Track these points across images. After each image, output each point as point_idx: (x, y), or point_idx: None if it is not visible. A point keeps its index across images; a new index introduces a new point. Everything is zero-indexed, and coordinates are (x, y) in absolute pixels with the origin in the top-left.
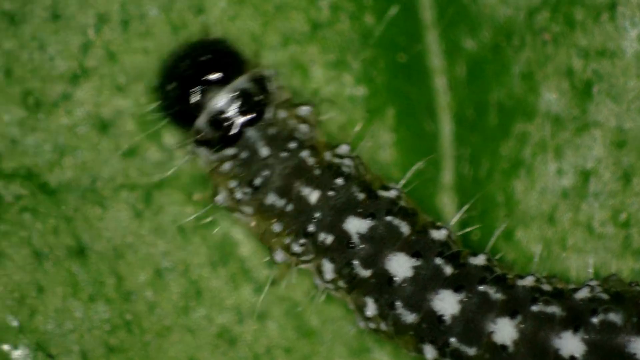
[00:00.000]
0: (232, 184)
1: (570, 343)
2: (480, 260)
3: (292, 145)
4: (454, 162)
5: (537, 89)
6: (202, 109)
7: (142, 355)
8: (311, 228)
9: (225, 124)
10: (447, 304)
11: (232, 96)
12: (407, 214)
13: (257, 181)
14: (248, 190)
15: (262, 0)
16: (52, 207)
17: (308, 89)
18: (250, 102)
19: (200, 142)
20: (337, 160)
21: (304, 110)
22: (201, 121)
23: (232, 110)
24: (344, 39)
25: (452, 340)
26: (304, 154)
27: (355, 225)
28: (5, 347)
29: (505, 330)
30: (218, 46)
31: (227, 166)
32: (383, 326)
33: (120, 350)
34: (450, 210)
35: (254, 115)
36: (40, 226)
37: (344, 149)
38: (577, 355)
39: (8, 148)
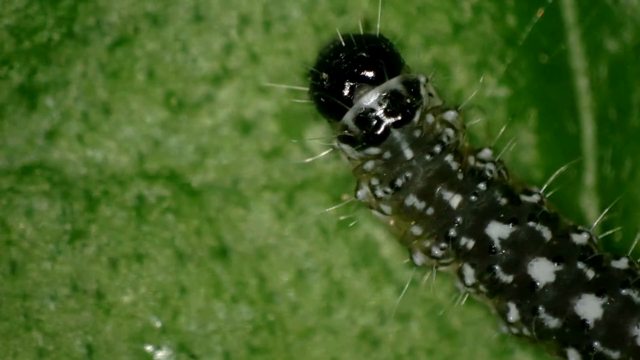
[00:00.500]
0: (374, 181)
1: None
2: (622, 263)
3: (437, 149)
4: (596, 164)
5: None
6: (351, 105)
7: (284, 356)
8: (452, 232)
9: (373, 122)
10: (589, 308)
11: (383, 96)
12: (548, 219)
13: (399, 182)
14: (389, 190)
15: (405, 1)
16: (195, 208)
17: (450, 90)
18: (400, 104)
19: (345, 139)
20: (479, 165)
21: (450, 115)
22: (348, 117)
23: (380, 110)
24: (486, 40)
25: (596, 344)
26: (448, 158)
27: (497, 231)
28: (149, 347)
29: None
30: (377, 44)
31: (370, 165)
32: (525, 331)
33: (263, 351)
34: (592, 212)
35: (401, 117)
36: (183, 227)
37: (486, 153)
38: None
39: (151, 149)
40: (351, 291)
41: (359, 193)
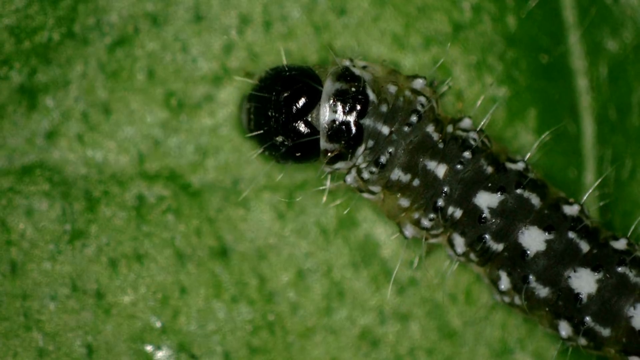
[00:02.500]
0: (361, 165)
1: None
2: (621, 244)
3: (414, 119)
4: (596, 164)
5: None
6: (317, 132)
7: (285, 356)
8: (440, 202)
9: (343, 129)
10: (584, 282)
11: (331, 102)
12: (536, 186)
13: (383, 159)
14: (375, 169)
15: (405, 1)
16: (195, 209)
17: (449, 89)
18: (349, 97)
19: (334, 160)
20: (461, 134)
21: (418, 83)
22: (322, 142)
23: (340, 114)
24: (486, 40)
25: (587, 319)
26: (429, 128)
27: (486, 200)
28: (149, 347)
29: None
30: (287, 77)
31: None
32: (517, 300)
33: (263, 351)
34: (592, 212)
35: (359, 106)
36: (183, 227)
37: (467, 122)
38: None
39: (151, 149)
40: (351, 291)
41: (348, 178)
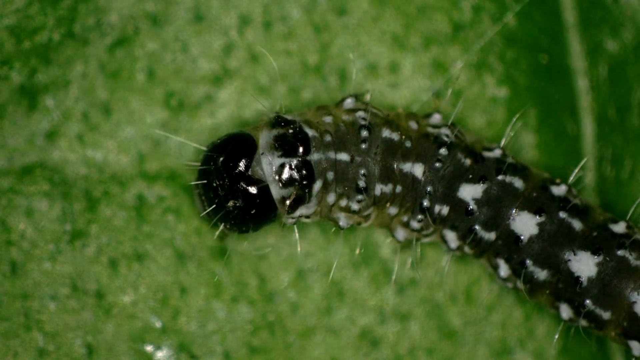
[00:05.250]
0: (343, 202)
1: None
2: (620, 227)
3: (364, 133)
4: (596, 163)
5: None
6: (267, 187)
7: (285, 356)
8: (425, 203)
9: (292, 170)
10: (584, 265)
11: (272, 150)
12: (517, 170)
13: (361, 183)
14: (360, 196)
15: (405, 1)
16: (195, 209)
17: (450, 89)
18: (288, 138)
19: (293, 206)
20: (433, 130)
21: (347, 103)
22: (276, 191)
23: (284, 158)
24: (487, 40)
25: (588, 302)
26: (385, 133)
27: (470, 192)
28: (149, 347)
29: None
30: (219, 144)
31: (332, 197)
32: (519, 284)
33: (263, 351)
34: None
35: (301, 143)
36: (184, 227)
37: (436, 118)
38: None
39: (151, 149)
40: (351, 291)
41: (342, 223)
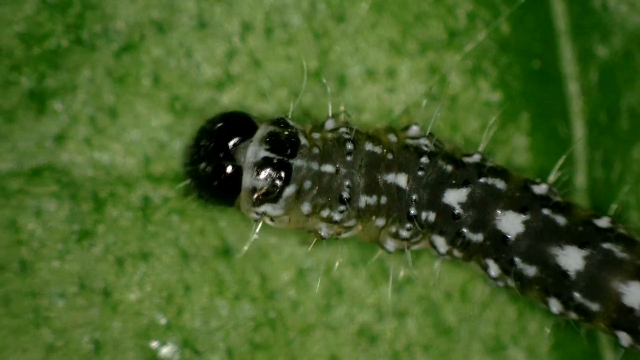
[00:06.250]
0: (325, 212)
1: None
2: (604, 222)
3: (349, 146)
4: (587, 166)
5: None
6: (241, 171)
7: (285, 352)
8: (412, 211)
9: (271, 165)
10: (571, 259)
11: (265, 142)
12: (497, 172)
13: (345, 194)
14: (342, 207)
15: (402, 8)
16: (199, 209)
17: (445, 95)
18: (281, 138)
19: (261, 201)
20: (412, 142)
21: (329, 124)
22: (248, 180)
23: (268, 152)
24: (481, 46)
25: (576, 295)
26: (367, 146)
27: (455, 197)
28: (154, 344)
29: (636, 294)
30: (228, 114)
31: (307, 207)
32: (510, 282)
33: (265, 347)
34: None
35: (290, 146)
36: (188, 227)
37: (414, 130)
38: None
39: (156, 152)
40: (350, 289)
41: (322, 233)
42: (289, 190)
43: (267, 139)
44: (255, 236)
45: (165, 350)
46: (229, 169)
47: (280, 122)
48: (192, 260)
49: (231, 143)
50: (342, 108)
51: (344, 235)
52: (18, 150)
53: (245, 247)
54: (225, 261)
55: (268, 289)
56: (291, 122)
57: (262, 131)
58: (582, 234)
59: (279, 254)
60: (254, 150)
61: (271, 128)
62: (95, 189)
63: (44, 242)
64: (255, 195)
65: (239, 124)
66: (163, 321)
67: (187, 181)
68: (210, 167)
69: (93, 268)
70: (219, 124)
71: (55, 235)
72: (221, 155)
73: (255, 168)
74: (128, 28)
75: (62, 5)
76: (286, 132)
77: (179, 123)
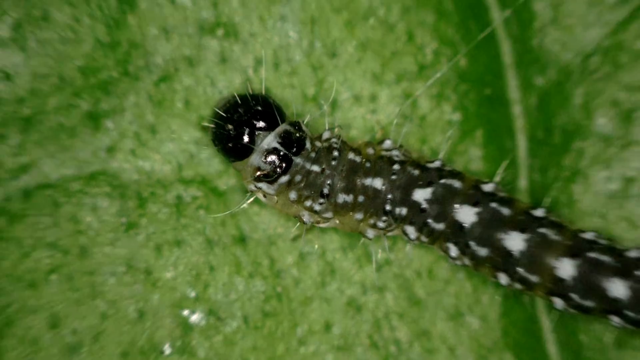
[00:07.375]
0: (308, 203)
1: (617, 286)
2: (540, 212)
3: (335, 153)
4: (528, 171)
5: (591, 115)
6: (255, 149)
7: (289, 318)
8: (388, 207)
9: (280, 157)
10: (515, 242)
11: (280, 136)
12: (454, 174)
13: (326, 190)
14: (322, 200)
15: (381, 47)
16: (221, 205)
17: (416, 115)
18: (293, 137)
19: (259, 178)
20: (386, 153)
21: (325, 134)
22: (257, 159)
23: (279, 145)
24: (444, 76)
25: (519, 269)
26: (350, 155)
27: (421, 195)
28: (185, 312)
29: (566, 268)
30: (267, 101)
31: (293, 195)
32: (466, 261)
33: (273, 314)
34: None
35: (296, 147)
36: (212, 220)
37: (387, 143)
38: (622, 297)
39: (187, 160)
40: (340, 269)
41: (305, 219)
42: (284, 178)
43: (282, 135)
44: (245, 205)
45: (194, 317)
46: (245, 140)
47: (296, 125)
48: (215, 246)
49: (258, 125)
50: (336, 125)
51: (322, 225)
52: (78, 159)
53: (245, 205)
54: (241, 247)
55: (275, 269)
56: (304, 128)
57: (281, 127)
58: (523, 222)
59: (284, 241)
60: (270, 140)
61: (288, 127)
62: (139, 189)
63: (98, 232)
64: (258, 173)
65: (271, 116)
66: (192, 294)
67: (210, 124)
68: (233, 132)
69: (137, 252)
70: (258, 107)
71: (107, 226)
72: (246, 130)
73: (265, 153)
74: (165, 62)
75: (113, 45)
76: (297, 135)
77: (205, 137)
